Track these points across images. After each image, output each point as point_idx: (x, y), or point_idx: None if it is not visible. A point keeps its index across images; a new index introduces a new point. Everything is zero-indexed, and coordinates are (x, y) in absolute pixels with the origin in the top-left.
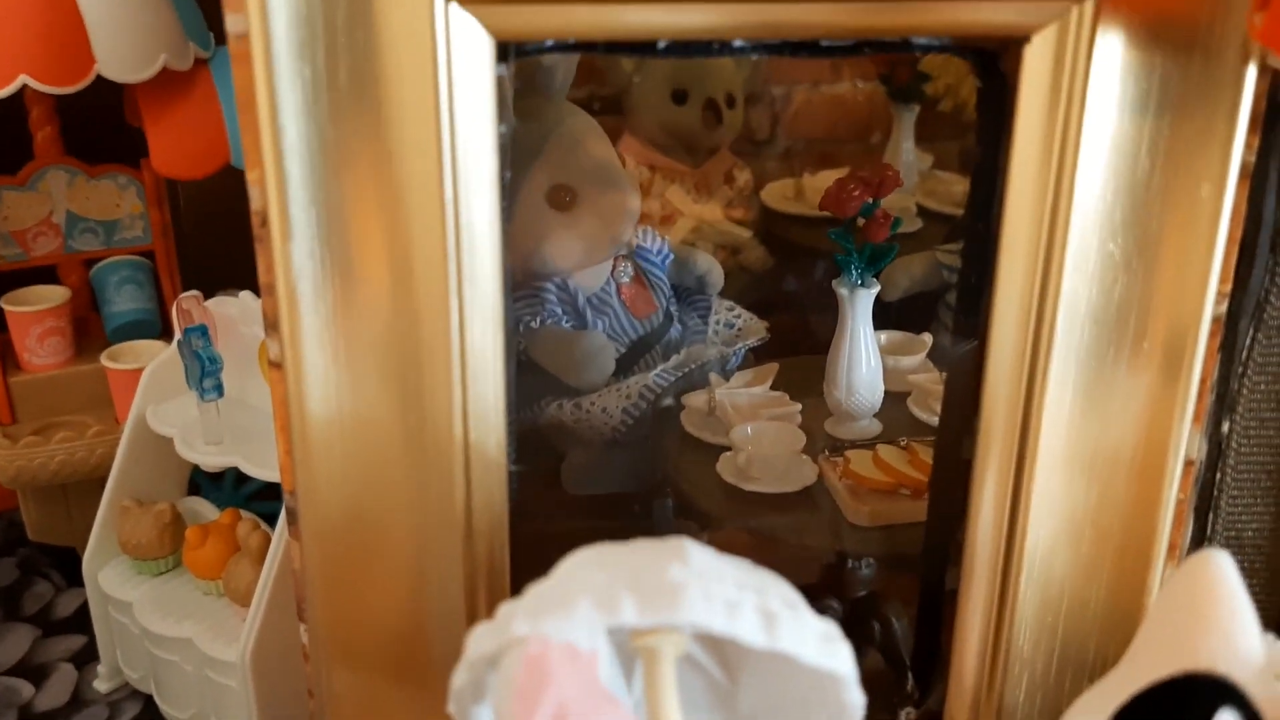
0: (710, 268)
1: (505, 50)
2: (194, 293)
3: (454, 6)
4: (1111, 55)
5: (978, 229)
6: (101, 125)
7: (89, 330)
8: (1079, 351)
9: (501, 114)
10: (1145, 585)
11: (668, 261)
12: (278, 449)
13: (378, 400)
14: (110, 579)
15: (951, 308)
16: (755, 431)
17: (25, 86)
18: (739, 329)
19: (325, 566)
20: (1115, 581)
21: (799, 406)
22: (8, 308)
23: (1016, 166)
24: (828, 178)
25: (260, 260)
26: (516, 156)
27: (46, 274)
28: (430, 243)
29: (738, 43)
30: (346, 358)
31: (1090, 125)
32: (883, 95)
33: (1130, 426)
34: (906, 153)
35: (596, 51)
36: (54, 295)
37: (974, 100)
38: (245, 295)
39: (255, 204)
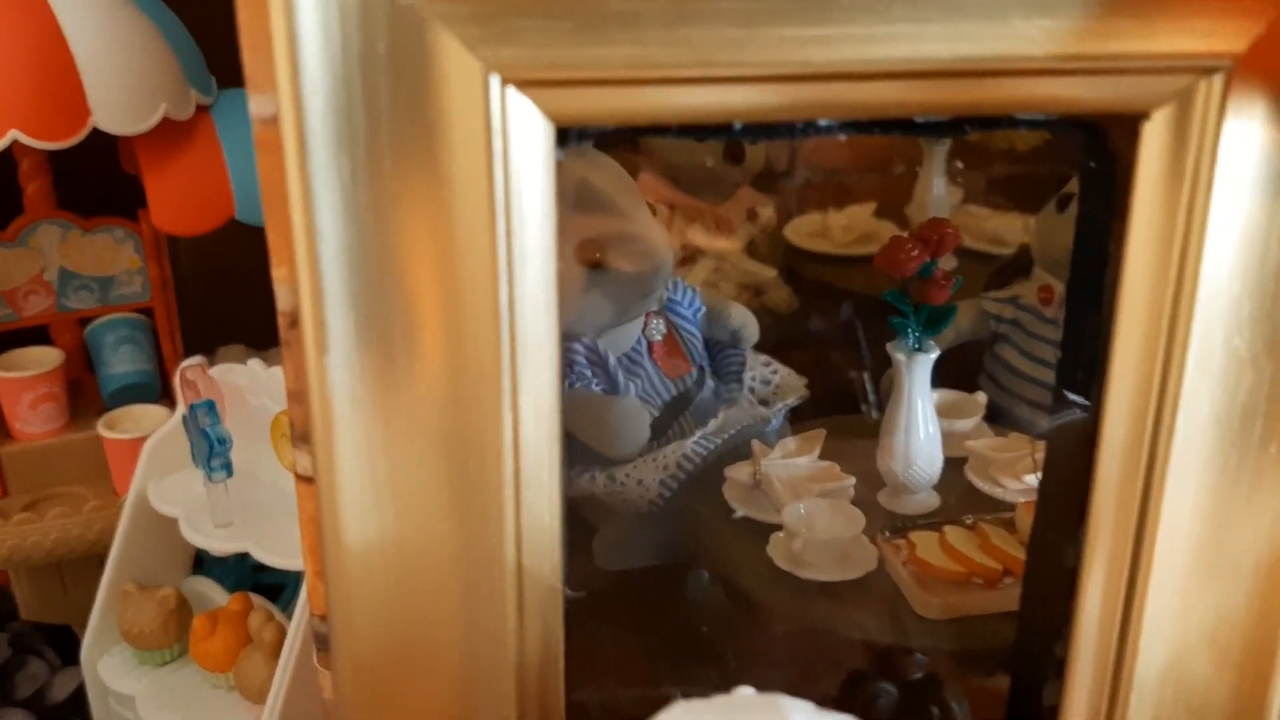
0: (745, 321)
1: (565, 135)
2: (198, 360)
3: (511, 91)
4: (1243, 133)
5: (1082, 310)
6: (95, 174)
7: (84, 393)
8: (1200, 455)
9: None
10: (1266, 707)
11: (699, 315)
12: (305, 568)
13: (423, 520)
14: (111, 669)
15: (1001, 361)
16: (810, 512)
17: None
18: (776, 386)
19: (361, 698)
20: (1233, 704)
21: (852, 480)
22: None
23: (1132, 254)
24: (855, 214)
25: (287, 366)
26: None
27: (38, 334)
28: (483, 349)
29: (822, 122)
30: (388, 475)
31: (1217, 210)
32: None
33: (1255, 536)
34: (937, 187)
35: (666, 135)
36: (47, 358)
37: (1010, 132)
38: (254, 363)
39: (283, 304)
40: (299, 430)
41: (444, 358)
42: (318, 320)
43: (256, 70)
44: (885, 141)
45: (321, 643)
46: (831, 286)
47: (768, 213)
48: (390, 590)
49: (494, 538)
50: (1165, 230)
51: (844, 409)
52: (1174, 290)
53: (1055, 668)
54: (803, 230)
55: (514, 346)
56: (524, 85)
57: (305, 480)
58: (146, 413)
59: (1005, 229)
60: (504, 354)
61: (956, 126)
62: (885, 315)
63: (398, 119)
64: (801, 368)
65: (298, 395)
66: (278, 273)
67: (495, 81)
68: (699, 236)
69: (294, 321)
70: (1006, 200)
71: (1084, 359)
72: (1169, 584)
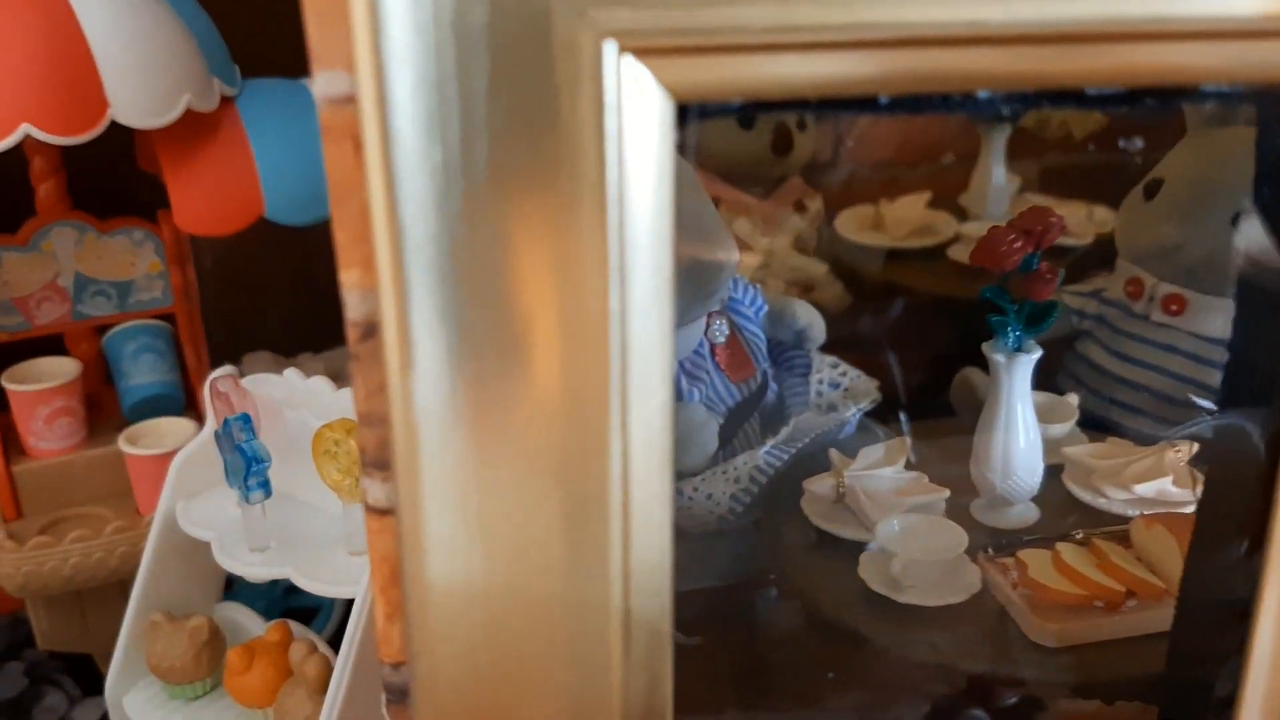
0: (811, 320)
1: (685, 113)
2: (230, 370)
3: (628, 60)
4: None
5: (1252, 306)
6: (112, 172)
7: (102, 407)
8: None
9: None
10: None
11: (762, 314)
12: (376, 613)
13: (520, 560)
14: (139, 705)
15: (1086, 361)
16: (905, 530)
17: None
18: (845, 389)
19: None
20: None
21: (946, 493)
22: (9, 386)
23: None
24: (910, 204)
25: (358, 383)
26: None
27: (53, 344)
28: (594, 366)
29: (983, 94)
30: (481, 508)
31: None
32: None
33: None
34: (996, 176)
35: (805, 110)
36: (62, 369)
37: (1066, 116)
38: (290, 374)
39: (354, 313)
40: (371, 456)
41: (549, 373)
42: (402, 332)
43: (325, 43)
44: (940, 129)
45: (396, 694)
46: (886, 281)
47: (816, 205)
48: (481, 637)
49: (600, 579)
50: None
51: (912, 413)
52: None
53: (1215, 708)
54: (854, 223)
55: (625, 360)
56: (643, 54)
57: (379, 513)
58: (170, 426)
59: (1071, 219)
60: (613, 368)
61: (1136, 99)
62: (946, 311)
63: (497, 97)
64: (867, 369)
65: (370, 417)
66: (347, 277)
67: (610, 49)
68: (745, 231)
69: (369, 333)
70: (1068, 189)
71: (1258, 367)
72: None
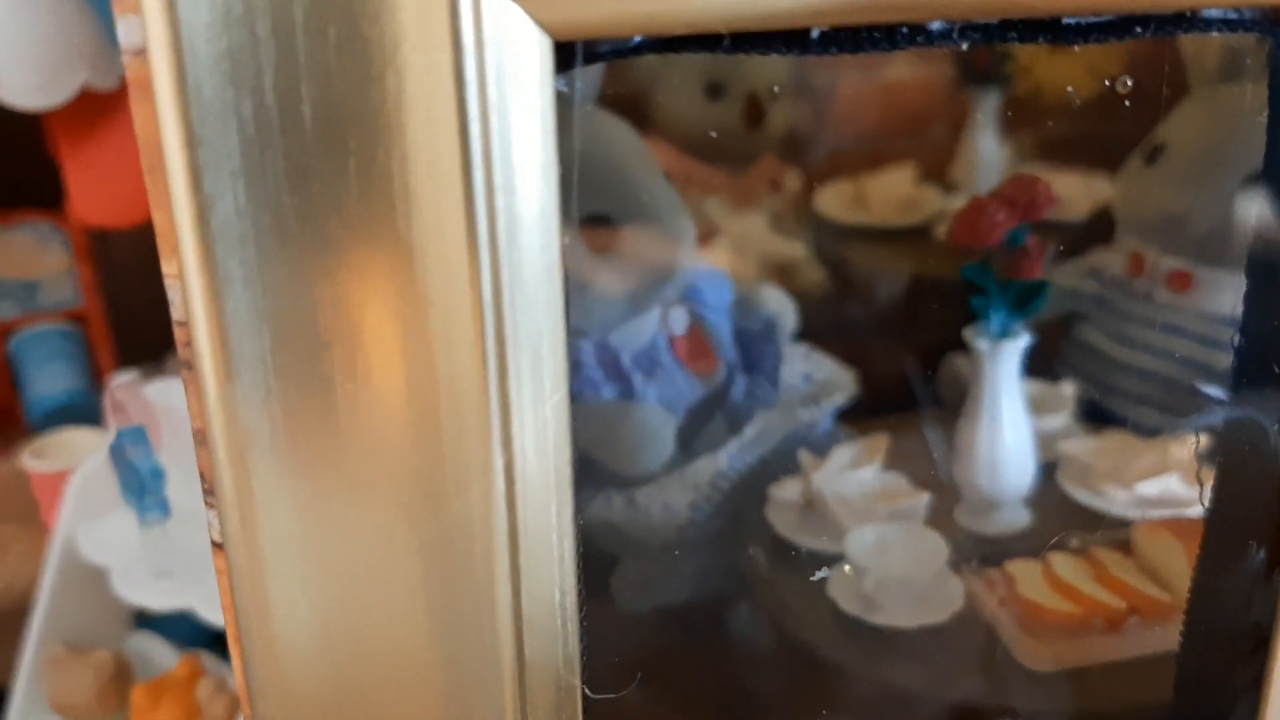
0: (781, 308)
1: (568, 55)
2: (129, 377)
3: None
4: None
5: (1266, 279)
6: (14, 162)
7: (8, 419)
8: None
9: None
10: None
11: (727, 302)
12: (231, 654)
13: (373, 608)
14: None
15: (1083, 345)
16: (880, 542)
17: None
18: (819, 383)
19: None
20: None
21: (927, 496)
22: None
23: None
24: (895, 179)
25: (190, 399)
26: None
27: None
28: (458, 366)
29: (936, 25)
30: (323, 542)
31: None
32: (948, 77)
33: None
34: (987, 146)
35: (711, 51)
36: None
37: (1057, 79)
38: None
39: (177, 313)
40: (206, 480)
41: (402, 380)
42: (217, 333)
43: None
44: (926, 94)
45: None
46: (870, 263)
47: (794, 182)
48: (333, 699)
49: (483, 626)
50: None
51: (893, 407)
52: None
53: None
54: (834, 201)
55: (502, 360)
56: None
57: (217, 547)
58: (80, 438)
59: (1068, 192)
60: (489, 369)
61: (1118, 29)
62: (933, 295)
63: (321, 32)
64: (841, 359)
65: (203, 436)
66: (168, 268)
67: None
68: (716, 210)
69: (190, 341)
70: (1065, 160)
71: (1273, 350)
72: None
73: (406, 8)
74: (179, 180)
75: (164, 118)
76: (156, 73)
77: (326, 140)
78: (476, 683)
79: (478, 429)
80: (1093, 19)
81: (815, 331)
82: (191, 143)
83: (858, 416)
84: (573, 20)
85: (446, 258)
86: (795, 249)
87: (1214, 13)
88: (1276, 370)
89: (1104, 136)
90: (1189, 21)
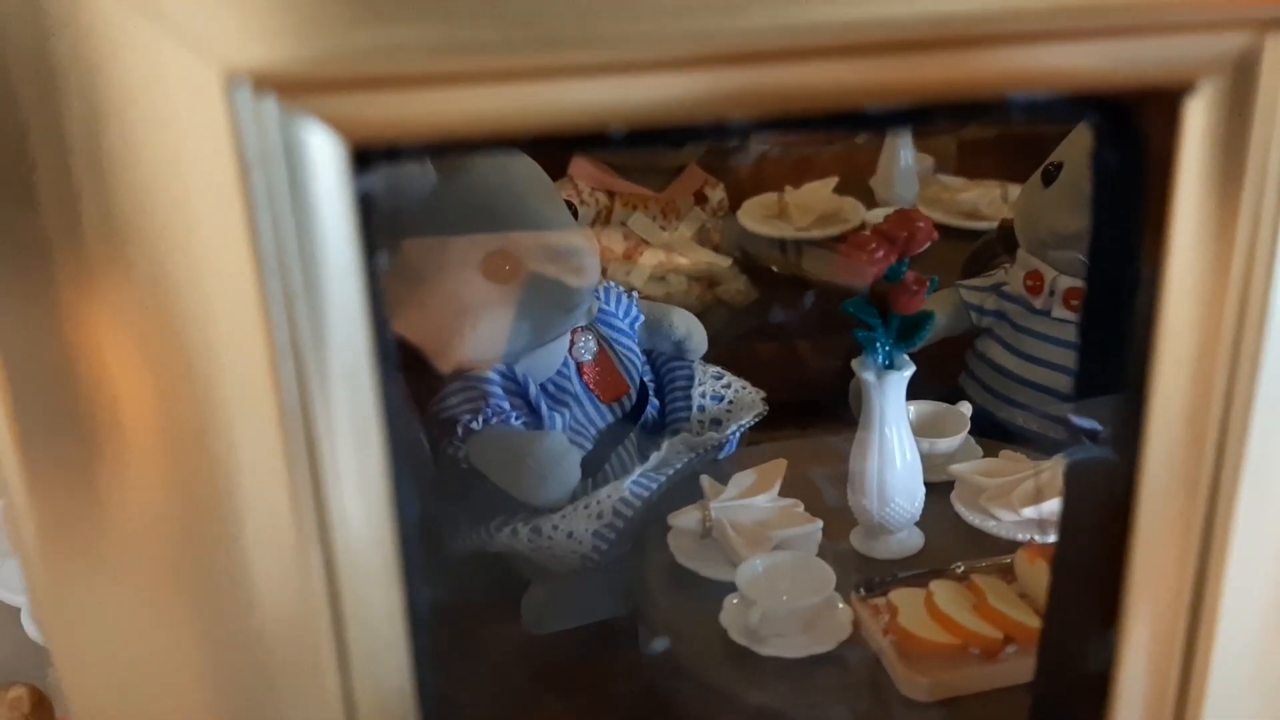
0: (690, 330)
1: (366, 158)
2: None
3: (271, 104)
4: None
5: (1101, 320)
6: None
7: None
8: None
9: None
10: None
11: (637, 325)
12: None
13: (179, 692)
14: None
15: (986, 360)
16: (768, 573)
17: None
18: (730, 403)
19: None
20: None
21: (819, 525)
22: None
23: (1177, 263)
24: (814, 191)
25: None
26: (436, 221)
27: None
28: (264, 466)
29: (735, 121)
30: (116, 641)
31: None
32: None
33: None
34: (904, 158)
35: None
36: None
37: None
38: None
39: None
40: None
41: (196, 480)
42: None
43: None
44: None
45: None
46: (791, 275)
47: (718, 195)
48: None
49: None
50: (1220, 235)
51: (812, 416)
52: (1239, 301)
53: None
54: (757, 213)
55: (316, 463)
56: (293, 93)
57: None
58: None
59: (983, 201)
60: (301, 469)
61: (926, 116)
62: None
63: (96, 160)
64: (762, 368)
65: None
66: None
67: (243, 94)
68: (642, 226)
69: None
70: (983, 168)
71: (1109, 372)
72: (1239, 648)
73: (176, 127)
74: None
75: None
76: None
77: (108, 247)
78: None
79: (288, 526)
80: (895, 108)
81: (733, 338)
82: None
83: (769, 427)
84: (369, 126)
85: (243, 364)
86: (716, 261)
87: (1019, 99)
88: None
89: (1025, 148)
90: (990, 109)
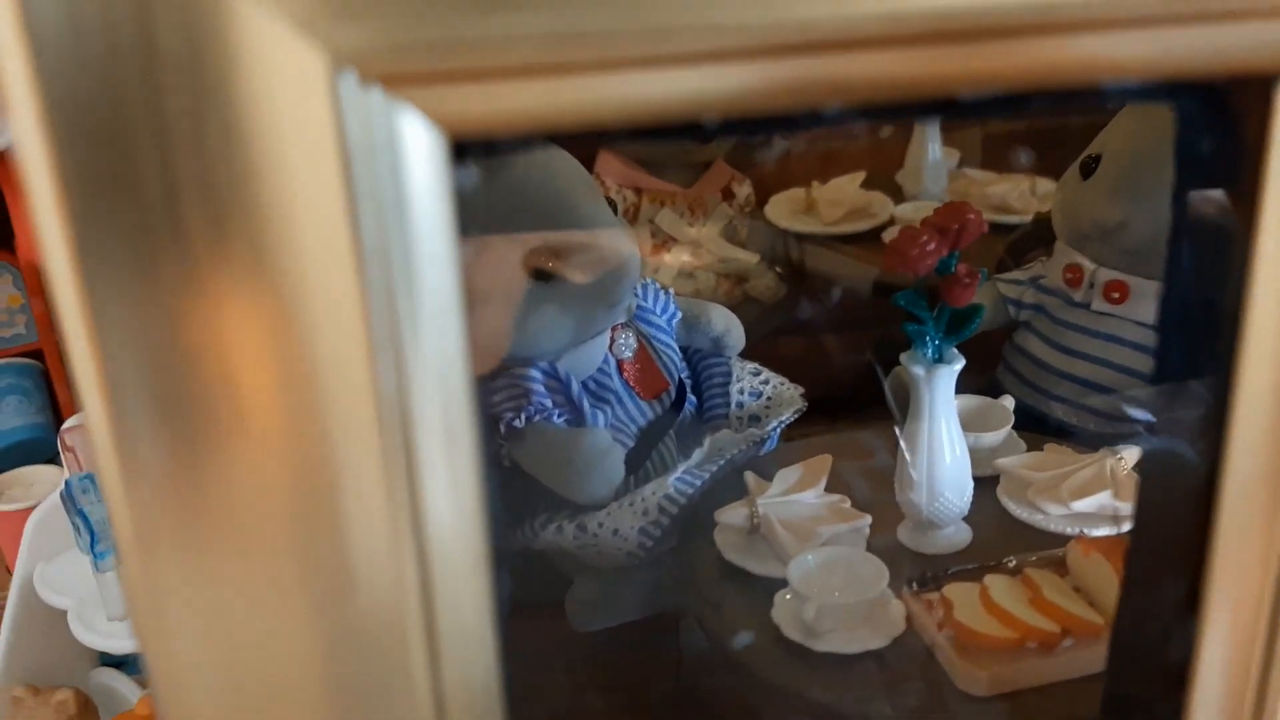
0: (728, 325)
1: (463, 149)
2: (80, 420)
3: (377, 94)
4: None
5: (1180, 314)
6: None
7: None
8: None
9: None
10: None
11: (675, 322)
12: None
13: (281, 685)
14: None
15: (1025, 355)
16: (821, 568)
17: None
18: (768, 399)
19: None
20: None
21: (868, 520)
22: None
23: (1266, 250)
24: (842, 186)
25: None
26: (479, 218)
27: None
28: (363, 459)
29: (832, 110)
30: (222, 623)
31: None
32: None
33: None
34: (932, 152)
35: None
36: None
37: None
38: None
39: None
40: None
41: (298, 471)
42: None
43: None
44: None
45: None
46: (821, 270)
47: (745, 191)
48: None
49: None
50: None
51: (847, 415)
52: None
53: None
54: (785, 208)
55: (411, 454)
56: (396, 84)
57: None
58: (40, 475)
59: (1012, 194)
60: (398, 460)
61: (1019, 105)
62: (886, 301)
63: (202, 113)
64: (793, 367)
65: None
66: None
67: (349, 81)
68: (670, 223)
69: None
70: (1010, 162)
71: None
72: None
73: (282, 117)
74: (74, 321)
75: (46, 234)
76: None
77: (211, 237)
78: None
79: (384, 515)
80: (987, 96)
81: (774, 339)
82: (78, 268)
83: (805, 426)
84: (468, 118)
85: (343, 355)
86: (744, 258)
87: (1112, 87)
88: (1190, 382)
89: (1054, 141)
90: (1082, 97)
